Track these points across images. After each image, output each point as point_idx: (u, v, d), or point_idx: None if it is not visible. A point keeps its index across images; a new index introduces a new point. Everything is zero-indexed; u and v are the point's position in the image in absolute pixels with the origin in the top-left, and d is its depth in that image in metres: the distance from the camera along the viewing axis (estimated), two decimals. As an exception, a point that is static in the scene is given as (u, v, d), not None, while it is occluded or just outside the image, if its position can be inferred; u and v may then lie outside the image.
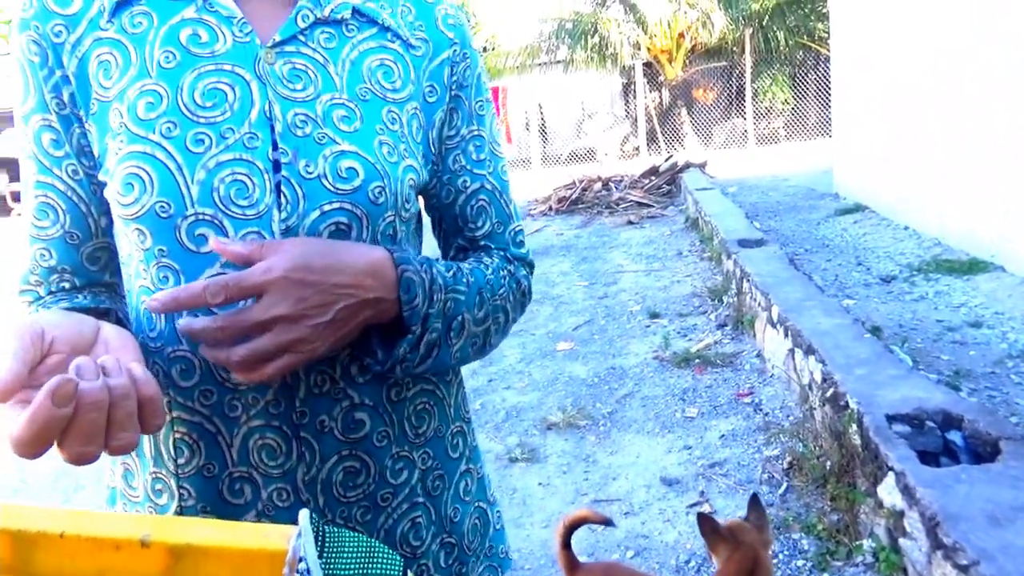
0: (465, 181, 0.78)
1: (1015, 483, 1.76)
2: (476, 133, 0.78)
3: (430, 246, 0.81)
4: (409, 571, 0.44)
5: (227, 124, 0.64)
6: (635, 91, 14.57)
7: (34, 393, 0.47)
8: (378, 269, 0.63)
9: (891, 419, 2.16)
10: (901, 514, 1.86)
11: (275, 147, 0.64)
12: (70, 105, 0.66)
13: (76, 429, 0.47)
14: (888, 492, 1.95)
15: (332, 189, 0.64)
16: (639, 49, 13.87)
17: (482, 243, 0.80)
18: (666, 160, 10.06)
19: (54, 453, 0.47)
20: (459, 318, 0.70)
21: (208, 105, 0.64)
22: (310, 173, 0.64)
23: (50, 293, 0.71)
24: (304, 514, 0.41)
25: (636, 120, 14.69)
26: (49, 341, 0.52)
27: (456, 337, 0.71)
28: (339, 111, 0.67)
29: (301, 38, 0.68)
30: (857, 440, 2.21)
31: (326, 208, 0.64)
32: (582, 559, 1.82)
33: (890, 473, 1.95)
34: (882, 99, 6.32)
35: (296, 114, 0.65)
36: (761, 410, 3.14)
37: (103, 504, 0.75)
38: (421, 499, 0.74)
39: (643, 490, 2.67)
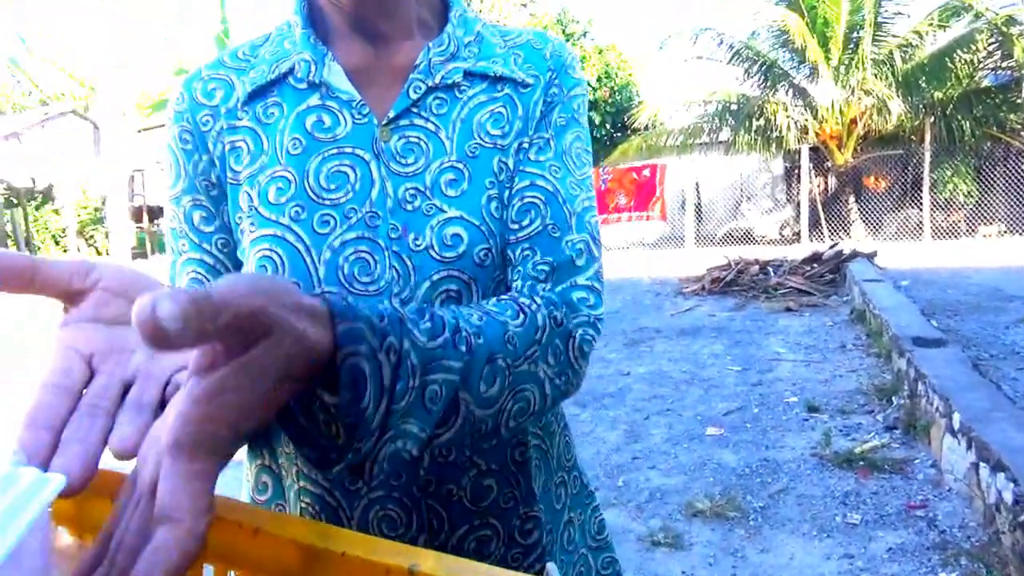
0: (514, 180, 0.70)
1: None
2: (544, 137, 0.71)
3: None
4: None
5: (350, 204, 0.66)
6: (799, 175, 14.15)
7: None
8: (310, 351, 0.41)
9: (1103, 557, 1.90)
10: (1116, 670, 1.61)
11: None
12: (218, 186, 0.70)
13: None
14: (1099, 641, 1.70)
15: (439, 259, 0.65)
16: (806, 134, 13.51)
17: (528, 255, 0.67)
18: (830, 247, 9.62)
19: None
20: (447, 403, 0.51)
21: (332, 188, 0.66)
22: (419, 246, 0.65)
23: None
24: (551, 568, 0.42)
25: (799, 205, 14.22)
26: (96, 277, 0.46)
27: (443, 427, 0.52)
28: (447, 175, 0.67)
29: (414, 110, 0.69)
30: (1058, 575, 1.95)
31: (435, 278, 0.65)
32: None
33: (1102, 619, 1.70)
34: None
35: (407, 189, 0.66)
36: (936, 526, 2.85)
37: None
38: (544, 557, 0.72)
39: (797, 597, 2.48)
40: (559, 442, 0.77)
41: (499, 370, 0.55)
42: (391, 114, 0.68)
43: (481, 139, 0.69)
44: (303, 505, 0.68)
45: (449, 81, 0.70)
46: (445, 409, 0.51)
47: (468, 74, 0.71)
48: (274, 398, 0.39)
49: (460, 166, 0.68)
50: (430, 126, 0.69)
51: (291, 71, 0.70)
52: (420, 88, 0.69)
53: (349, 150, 0.67)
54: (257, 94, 0.71)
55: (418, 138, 0.68)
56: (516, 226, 0.68)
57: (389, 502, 0.66)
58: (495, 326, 0.56)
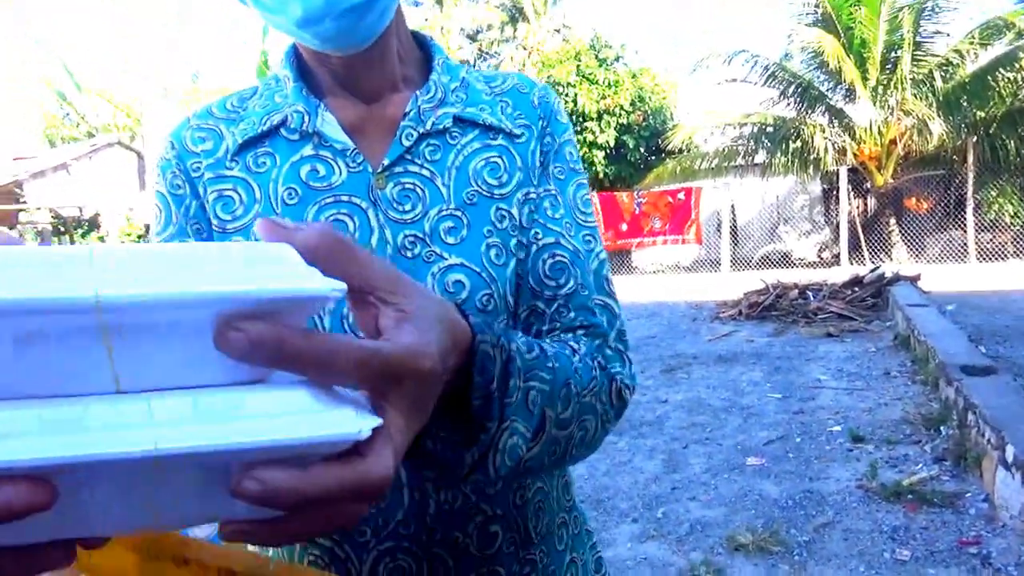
0: (537, 233, 0.71)
1: None
2: (551, 192, 0.73)
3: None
4: None
5: None
6: (838, 197, 13.91)
7: None
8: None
9: None
10: None
11: None
12: (207, 231, 0.70)
13: None
14: None
15: None
16: (844, 155, 13.29)
17: (563, 311, 0.69)
18: (872, 271, 9.42)
19: None
20: (540, 414, 0.54)
21: None
22: None
23: None
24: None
25: (838, 227, 13.97)
26: None
27: (534, 440, 0.54)
28: (446, 223, 0.68)
29: (408, 157, 0.69)
30: None
31: None
32: None
33: None
34: None
35: (406, 236, 0.67)
36: (991, 564, 2.74)
37: None
38: None
39: (846, 637, 2.39)
40: (558, 483, 0.77)
41: (572, 396, 0.58)
42: (385, 162, 0.69)
43: (479, 187, 0.70)
44: (311, 558, 0.67)
45: (440, 127, 0.71)
46: (536, 422, 0.54)
47: (458, 120, 0.72)
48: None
49: (459, 214, 0.68)
50: (425, 172, 0.69)
51: (283, 123, 0.70)
52: (412, 135, 0.70)
53: (346, 199, 0.67)
54: (247, 145, 0.71)
55: (414, 185, 0.68)
56: (552, 283, 0.69)
57: (399, 552, 0.66)
58: (564, 357, 0.60)
